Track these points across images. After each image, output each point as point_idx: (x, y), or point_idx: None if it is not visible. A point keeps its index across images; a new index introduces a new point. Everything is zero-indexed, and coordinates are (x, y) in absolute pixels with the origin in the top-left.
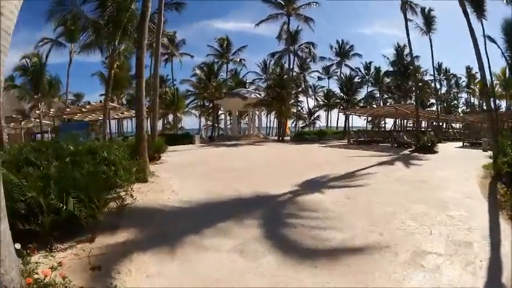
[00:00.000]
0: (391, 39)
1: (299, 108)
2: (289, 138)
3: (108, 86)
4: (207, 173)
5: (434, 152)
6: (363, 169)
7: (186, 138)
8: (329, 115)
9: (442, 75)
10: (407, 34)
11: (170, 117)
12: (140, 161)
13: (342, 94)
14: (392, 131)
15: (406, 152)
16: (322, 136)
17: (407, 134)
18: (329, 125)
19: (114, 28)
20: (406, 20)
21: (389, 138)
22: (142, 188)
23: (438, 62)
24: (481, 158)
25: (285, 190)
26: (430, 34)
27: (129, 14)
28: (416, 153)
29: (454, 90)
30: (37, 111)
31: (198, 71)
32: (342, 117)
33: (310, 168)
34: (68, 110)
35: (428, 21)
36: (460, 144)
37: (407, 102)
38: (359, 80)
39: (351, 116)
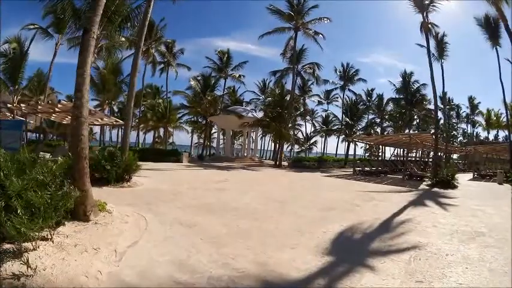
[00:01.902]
0: (390, 68)
1: (296, 132)
2: (286, 163)
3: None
4: (186, 213)
5: (455, 187)
6: (396, 214)
7: (172, 155)
8: (326, 141)
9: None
10: (429, 56)
11: (162, 130)
12: (71, 190)
13: (345, 119)
14: (404, 162)
15: (424, 186)
16: (322, 163)
17: (416, 165)
18: (325, 151)
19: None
20: (428, 41)
21: (395, 169)
22: (70, 236)
23: (442, 91)
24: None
25: (311, 264)
26: (442, 61)
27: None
28: (436, 189)
29: (454, 120)
30: (8, 105)
31: (192, 82)
32: (341, 144)
33: (329, 211)
34: (39, 107)
35: (441, 46)
36: (469, 176)
37: (410, 132)
38: (363, 107)
39: (350, 143)
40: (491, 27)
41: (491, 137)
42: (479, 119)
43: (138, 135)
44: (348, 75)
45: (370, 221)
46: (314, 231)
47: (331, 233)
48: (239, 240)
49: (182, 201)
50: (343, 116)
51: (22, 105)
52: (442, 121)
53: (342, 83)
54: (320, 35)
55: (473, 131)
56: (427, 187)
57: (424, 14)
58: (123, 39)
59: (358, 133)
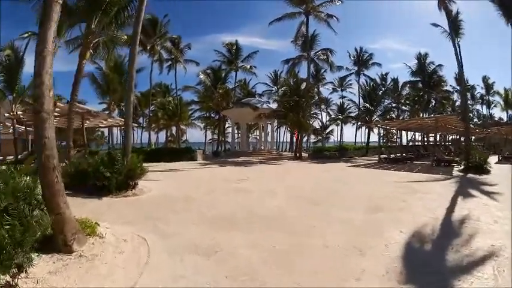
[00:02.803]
0: (400, 53)
1: (312, 121)
2: (306, 155)
3: (76, 83)
4: (203, 231)
5: (488, 172)
6: (451, 210)
7: (186, 153)
8: (342, 130)
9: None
10: (451, 33)
11: (175, 129)
12: (38, 216)
13: (365, 105)
14: (426, 147)
15: (456, 172)
16: (342, 152)
17: (438, 150)
18: (342, 140)
19: (91, 4)
20: (450, 16)
21: (419, 155)
22: (42, 280)
23: (456, 72)
24: None
25: None
26: (458, 39)
27: None
28: (470, 174)
29: (469, 102)
30: (6, 114)
31: (202, 76)
32: (357, 131)
33: (376, 212)
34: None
35: (456, 24)
36: (493, 159)
37: (427, 115)
38: (381, 91)
39: (365, 129)
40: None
41: (504, 117)
42: (495, 99)
43: (149, 135)
44: (362, 60)
45: (429, 222)
46: (374, 246)
47: (395, 245)
48: (281, 273)
49: (197, 212)
50: (362, 101)
51: (19, 112)
52: (457, 103)
53: (356, 68)
54: (334, 18)
55: (488, 112)
56: (461, 173)
57: None
58: (125, 36)
59: (376, 119)
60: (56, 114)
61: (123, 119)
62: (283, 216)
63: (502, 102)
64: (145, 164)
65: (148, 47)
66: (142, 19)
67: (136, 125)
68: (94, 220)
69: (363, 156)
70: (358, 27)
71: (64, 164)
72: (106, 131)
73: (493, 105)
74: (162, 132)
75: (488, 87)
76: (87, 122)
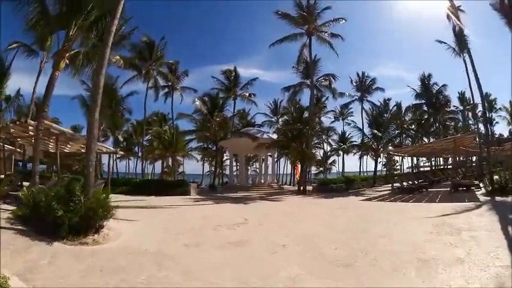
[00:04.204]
0: (396, 80)
1: (315, 151)
2: (310, 188)
3: (47, 97)
4: None
5: None
6: None
7: (178, 186)
8: (343, 159)
9: (465, 104)
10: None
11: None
12: None
13: (373, 131)
14: (434, 171)
15: (482, 196)
16: (349, 184)
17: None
18: (344, 170)
19: (69, 8)
20: (460, 28)
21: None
22: None
23: (460, 91)
24: None
25: None
26: (464, 55)
27: None
28: (499, 198)
29: (471, 121)
30: None
31: (198, 103)
32: (357, 161)
33: (437, 273)
34: (12, 130)
35: (460, 39)
36: None
37: (433, 140)
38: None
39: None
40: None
41: (505, 133)
42: (498, 115)
43: (142, 165)
44: (364, 86)
45: (502, 272)
46: None
47: None
48: None
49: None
50: (367, 127)
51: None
52: (460, 123)
53: (358, 94)
54: (339, 37)
55: (491, 129)
56: (487, 197)
57: None
58: (118, 57)
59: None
60: (24, 133)
61: (107, 146)
62: None
63: (508, 117)
64: (131, 198)
65: (143, 72)
66: (118, 15)
67: (121, 153)
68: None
69: (371, 187)
70: (354, 54)
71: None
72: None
73: (495, 121)
74: (159, 162)
75: (490, 103)
76: (68, 146)
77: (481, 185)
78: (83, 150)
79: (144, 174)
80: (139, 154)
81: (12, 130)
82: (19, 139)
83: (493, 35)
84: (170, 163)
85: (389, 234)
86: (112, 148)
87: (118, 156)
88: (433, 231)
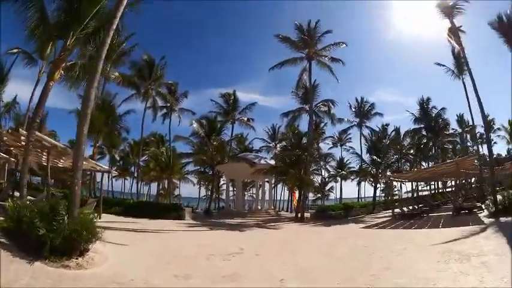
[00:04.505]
0: (394, 106)
1: (312, 177)
2: (308, 215)
3: (39, 107)
4: None
5: None
6: None
7: (172, 210)
8: (341, 186)
9: (463, 126)
10: (467, 65)
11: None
12: None
13: (371, 157)
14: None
15: (485, 219)
16: (348, 211)
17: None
18: (342, 196)
19: (67, 17)
20: (462, 48)
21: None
22: None
23: (459, 114)
24: None
25: None
26: (463, 77)
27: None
28: (504, 218)
29: (469, 143)
30: None
31: (195, 125)
32: (355, 187)
33: None
34: (5, 138)
35: (459, 61)
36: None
37: (432, 164)
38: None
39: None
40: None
41: (503, 153)
42: (495, 135)
43: (137, 186)
44: (363, 111)
45: None
46: None
47: None
48: None
49: None
50: (367, 153)
51: None
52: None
53: (357, 120)
54: (339, 61)
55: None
56: (491, 218)
57: (451, 18)
58: (117, 73)
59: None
60: (16, 143)
61: (98, 163)
62: None
63: (507, 136)
64: (123, 219)
65: (142, 91)
66: (114, 27)
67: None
68: None
69: (370, 213)
70: (353, 79)
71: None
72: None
73: (493, 142)
74: (155, 184)
75: (488, 124)
76: (61, 160)
77: (483, 206)
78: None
79: (139, 195)
80: (136, 174)
81: (5, 138)
82: (12, 148)
83: (491, 53)
84: (166, 185)
85: (394, 266)
86: (106, 167)
87: (114, 175)
88: (440, 259)
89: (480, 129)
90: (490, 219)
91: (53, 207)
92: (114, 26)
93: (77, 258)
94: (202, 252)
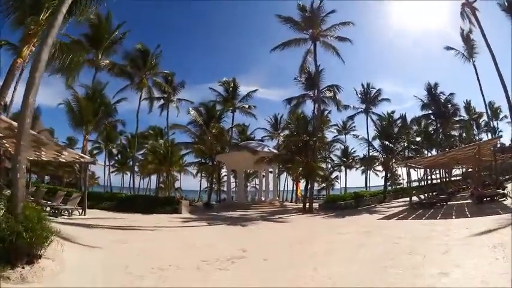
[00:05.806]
0: (395, 96)
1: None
2: (316, 205)
3: (6, 84)
4: None
5: None
6: None
7: (167, 204)
8: (346, 175)
9: (471, 113)
10: (486, 40)
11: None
12: None
13: (383, 142)
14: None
15: None
16: (359, 201)
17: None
18: (346, 185)
19: None
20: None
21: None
22: None
23: (466, 100)
24: None
25: None
26: (473, 59)
27: None
28: None
29: (475, 131)
30: None
31: (193, 112)
32: (361, 176)
33: None
34: None
35: (469, 44)
36: None
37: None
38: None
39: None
40: None
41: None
42: (503, 122)
43: (133, 180)
44: (370, 97)
45: None
46: None
47: None
48: None
49: None
50: (377, 139)
51: None
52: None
53: (363, 106)
54: (347, 41)
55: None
56: None
57: None
58: (107, 61)
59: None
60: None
61: (84, 155)
62: None
63: None
64: (111, 215)
65: (136, 81)
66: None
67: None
68: None
69: (381, 202)
70: (356, 69)
71: None
72: (98, 171)
73: (499, 130)
74: (155, 177)
75: (494, 112)
76: (42, 152)
77: (507, 193)
78: (60, 159)
79: (139, 190)
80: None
81: None
82: None
83: (500, 36)
84: (166, 178)
85: (447, 270)
86: (88, 157)
87: (113, 169)
88: (498, 256)
89: (485, 117)
90: None
91: None
92: None
93: (23, 267)
94: (192, 257)
